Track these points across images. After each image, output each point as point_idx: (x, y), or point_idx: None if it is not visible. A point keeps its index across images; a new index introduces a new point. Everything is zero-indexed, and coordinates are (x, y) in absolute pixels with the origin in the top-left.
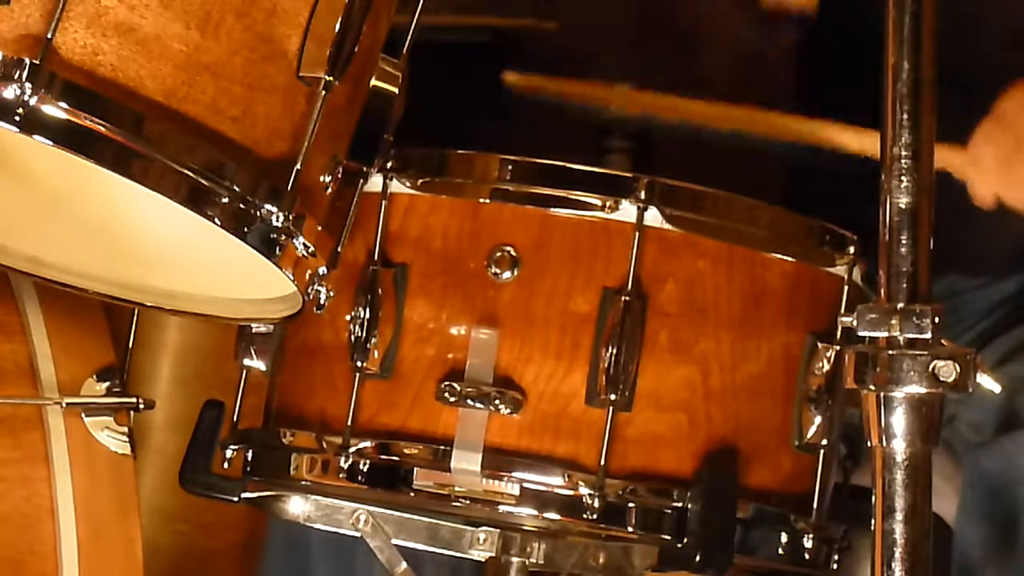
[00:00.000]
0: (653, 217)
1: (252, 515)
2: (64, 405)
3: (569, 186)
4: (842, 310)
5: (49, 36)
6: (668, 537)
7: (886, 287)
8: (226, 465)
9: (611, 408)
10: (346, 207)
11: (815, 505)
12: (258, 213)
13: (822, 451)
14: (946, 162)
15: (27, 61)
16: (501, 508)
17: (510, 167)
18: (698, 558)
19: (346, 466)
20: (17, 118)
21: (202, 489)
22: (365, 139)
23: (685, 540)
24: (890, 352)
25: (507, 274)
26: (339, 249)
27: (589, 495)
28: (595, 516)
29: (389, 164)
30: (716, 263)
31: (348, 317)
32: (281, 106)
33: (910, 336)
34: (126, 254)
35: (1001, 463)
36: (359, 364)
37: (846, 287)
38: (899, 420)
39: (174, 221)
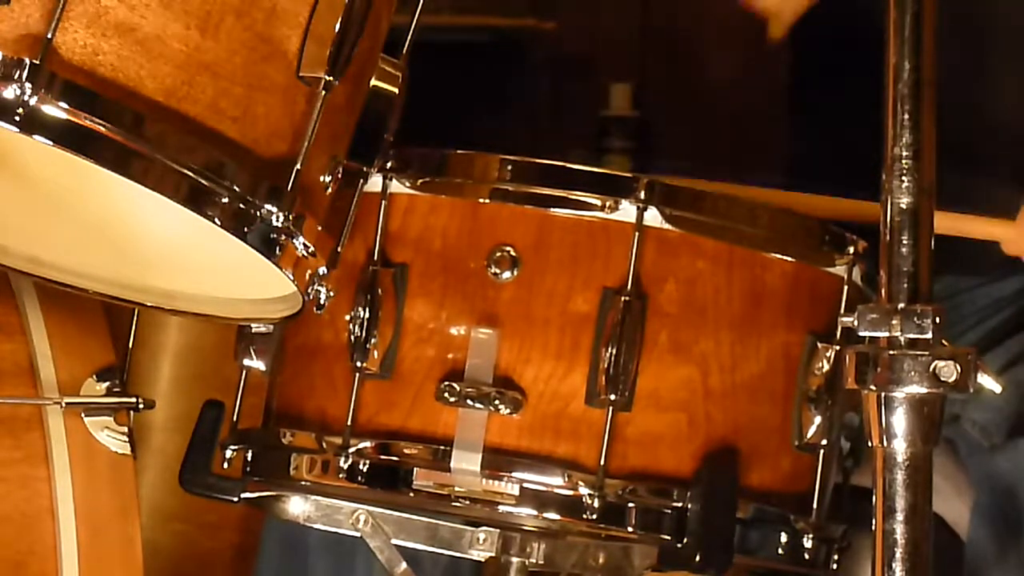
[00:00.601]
0: (653, 217)
1: (252, 515)
2: (64, 405)
3: (569, 186)
4: (842, 310)
5: (49, 36)
6: (668, 537)
7: (887, 287)
8: (226, 465)
9: (611, 408)
10: (346, 207)
11: (815, 505)
12: (258, 213)
13: (822, 451)
14: (997, 236)
15: (27, 61)
16: (501, 508)
17: (510, 167)
18: (698, 558)
19: (346, 466)
20: (17, 118)
21: (202, 489)
22: (365, 139)
23: (685, 540)
24: (891, 352)
25: (507, 274)
26: (339, 249)
27: (589, 495)
28: (595, 516)
29: (389, 164)
30: (716, 263)
31: (348, 317)
32: (281, 106)
33: (911, 336)
34: (126, 254)
35: (1017, 464)
36: (359, 364)
37: (846, 287)
38: (900, 420)
39: (174, 221)
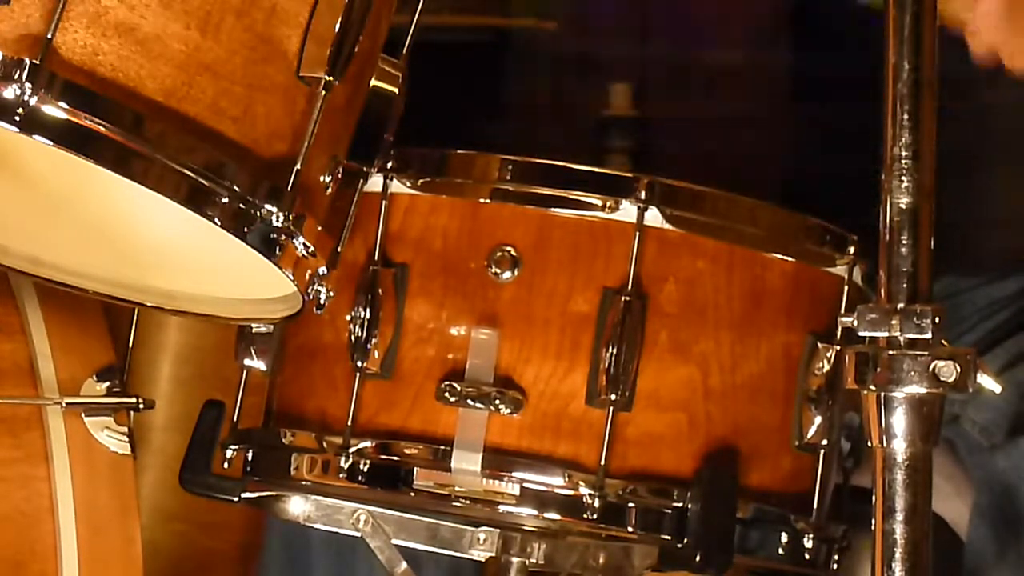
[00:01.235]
0: (653, 217)
1: (252, 515)
2: (64, 405)
3: (569, 186)
4: (842, 310)
5: (49, 36)
6: (668, 537)
7: (886, 287)
8: (226, 465)
9: (611, 408)
10: (346, 207)
11: (815, 505)
12: (258, 213)
13: (822, 451)
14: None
15: (27, 61)
16: (501, 508)
17: (510, 167)
18: (698, 558)
19: (346, 466)
20: (17, 118)
21: (202, 489)
22: (365, 139)
23: (685, 540)
24: (890, 352)
25: (507, 274)
26: (339, 249)
27: (589, 495)
28: (595, 516)
29: (389, 164)
30: (716, 263)
31: (348, 317)
32: (281, 106)
33: (910, 336)
34: (126, 254)
35: (1017, 464)
36: (359, 364)
37: (846, 287)
38: (899, 420)
39: (174, 221)
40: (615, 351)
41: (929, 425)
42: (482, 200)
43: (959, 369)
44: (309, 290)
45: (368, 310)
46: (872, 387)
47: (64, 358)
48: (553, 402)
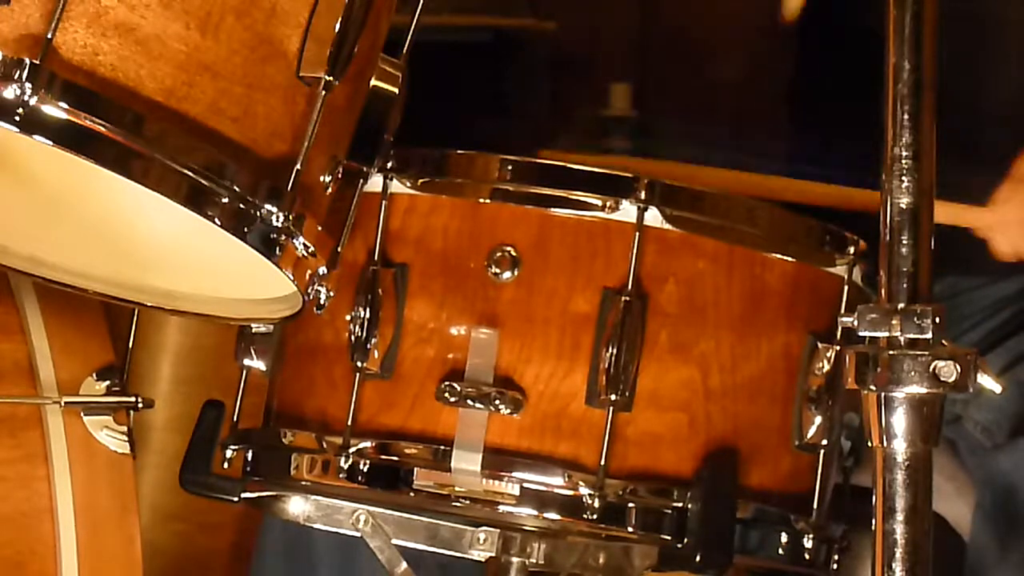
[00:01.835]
0: (653, 217)
1: (251, 515)
2: (63, 404)
3: (569, 186)
4: (842, 310)
5: (49, 36)
6: (668, 537)
7: (887, 287)
8: (226, 465)
9: (611, 408)
10: (346, 207)
11: (815, 505)
12: (258, 213)
13: (822, 451)
14: (969, 221)
15: (27, 61)
16: (501, 508)
17: (510, 167)
18: (698, 558)
19: (346, 466)
20: (17, 118)
21: (202, 489)
22: (365, 139)
23: (685, 540)
24: (891, 352)
25: (507, 274)
26: (339, 249)
27: (589, 495)
28: (595, 516)
29: (389, 164)
30: (716, 263)
31: (348, 317)
32: (281, 106)
33: (911, 336)
34: (126, 254)
35: (1019, 464)
36: (359, 364)
37: (846, 287)
38: (900, 420)
39: (174, 221)
40: (615, 351)
41: (929, 425)
42: (482, 200)
43: (959, 369)
44: (309, 290)
45: (368, 310)
46: (872, 387)
47: (64, 358)
48: (553, 402)
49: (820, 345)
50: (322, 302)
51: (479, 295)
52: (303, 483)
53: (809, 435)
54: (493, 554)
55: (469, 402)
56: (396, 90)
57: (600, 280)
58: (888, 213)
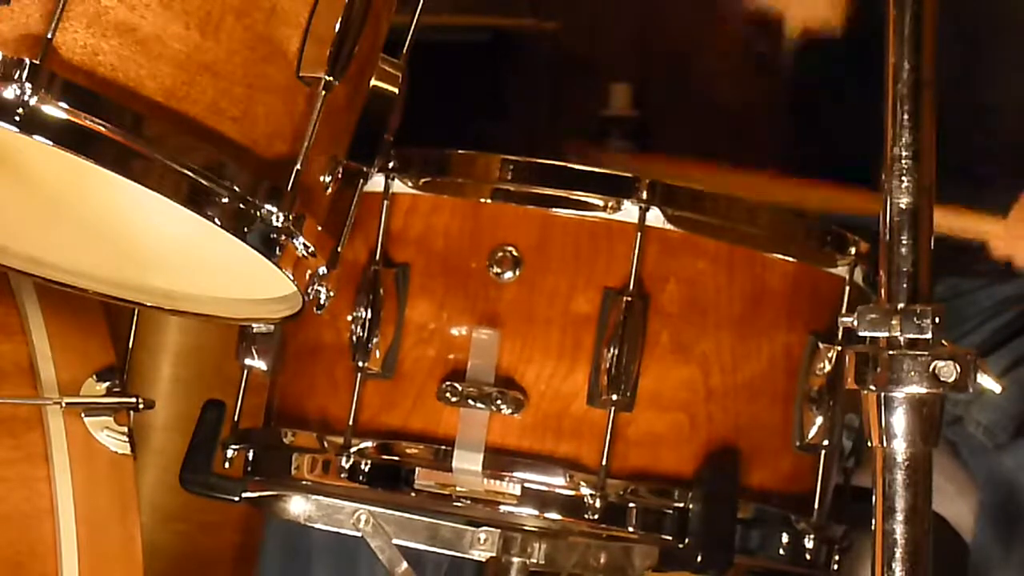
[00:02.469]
0: (655, 217)
1: (252, 515)
2: (64, 405)
3: (571, 186)
4: (843, 310)
5: (49, 36)
6: (669, 537)
7: (886, 287)
8: (227, 465)
9: (612, 408)
10: (346, 207)
11: (816, 506)
12: (258, 213)
13: (823, 451)
14: (986, 233)
15: (27, 61)
16: (502, 508)
17: (511, 167)
18: (699, 558)
19: (347, 466)
20: (17, 118)
21: (203, 489)
22: (365, 139)
23: (686, 540)
24: (891, 352)
25: (508, 274)
26: (339, 249)
27: (590, 495)
28: (596, 516)
29: (391, 164)
30: (717, 263)
31: (349, 317)
32: (281, 106)
33: (910, 336)
34: (126, 254)
35: (1021, 464)
36: (360, 364)
37: (847, 287)
38: (899, 420)
39: (174, 221)
40: (616, 351)
41: (929, 425)
42: (483, 200)
43: (959, 369)
44: (309, 290)
45: (369, 310)
46: (872, 387)
47: (64, 358)
48: (554, 402)
49: (821, 345)
50: (322, 302)
51: (480, 295)
52: (304, 483)
53: (810, 435)
54: (494, 554)
55: (470, 402)
56: (396, 90)
57: (601, 280)
58: (888, 213)
